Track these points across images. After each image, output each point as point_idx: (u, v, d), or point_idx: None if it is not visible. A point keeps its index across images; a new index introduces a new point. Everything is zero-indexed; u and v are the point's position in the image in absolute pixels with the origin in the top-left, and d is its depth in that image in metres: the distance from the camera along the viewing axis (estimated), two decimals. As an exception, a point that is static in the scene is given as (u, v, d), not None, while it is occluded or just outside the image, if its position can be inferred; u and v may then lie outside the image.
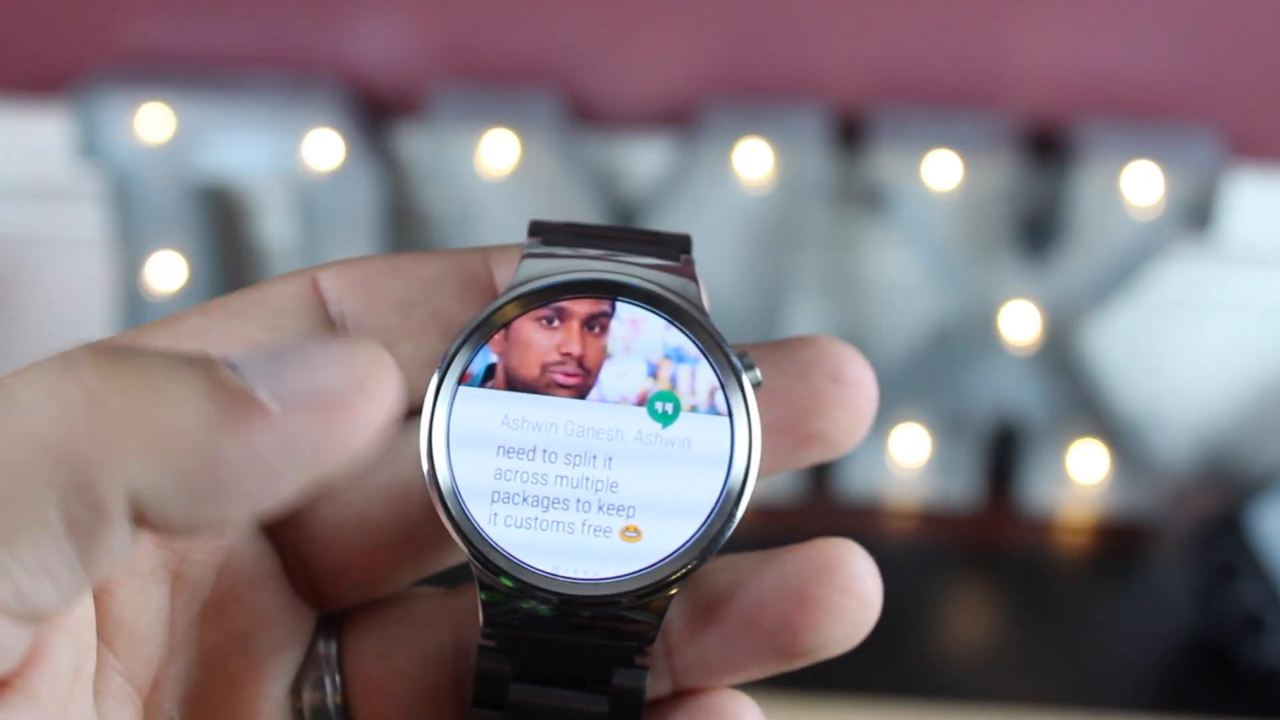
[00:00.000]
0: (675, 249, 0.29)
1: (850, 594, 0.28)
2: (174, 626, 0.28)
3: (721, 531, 0.28)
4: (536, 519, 0.28)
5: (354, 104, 0.77)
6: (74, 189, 0.79)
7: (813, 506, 0.81)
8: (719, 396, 0.28)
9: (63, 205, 0.80)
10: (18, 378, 0.23)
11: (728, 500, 0.28)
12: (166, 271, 0.77)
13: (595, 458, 0.28)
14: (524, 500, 0.28)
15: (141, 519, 0.23)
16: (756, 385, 0.28)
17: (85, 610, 0.26)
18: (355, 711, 0.30)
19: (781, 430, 0.29)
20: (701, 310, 0.29)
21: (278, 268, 0.80)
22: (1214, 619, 0.75)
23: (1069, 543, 0.81)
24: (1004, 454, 0.82)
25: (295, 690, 0.30)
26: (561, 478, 0.28)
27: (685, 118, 0.77)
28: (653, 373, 0.28)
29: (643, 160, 0.78)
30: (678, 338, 0.28)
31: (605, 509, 0.28)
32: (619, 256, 0.29)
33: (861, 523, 0.82)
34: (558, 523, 0.28)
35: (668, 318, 0.28)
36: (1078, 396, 0.78)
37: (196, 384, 0.23)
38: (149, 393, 0.23)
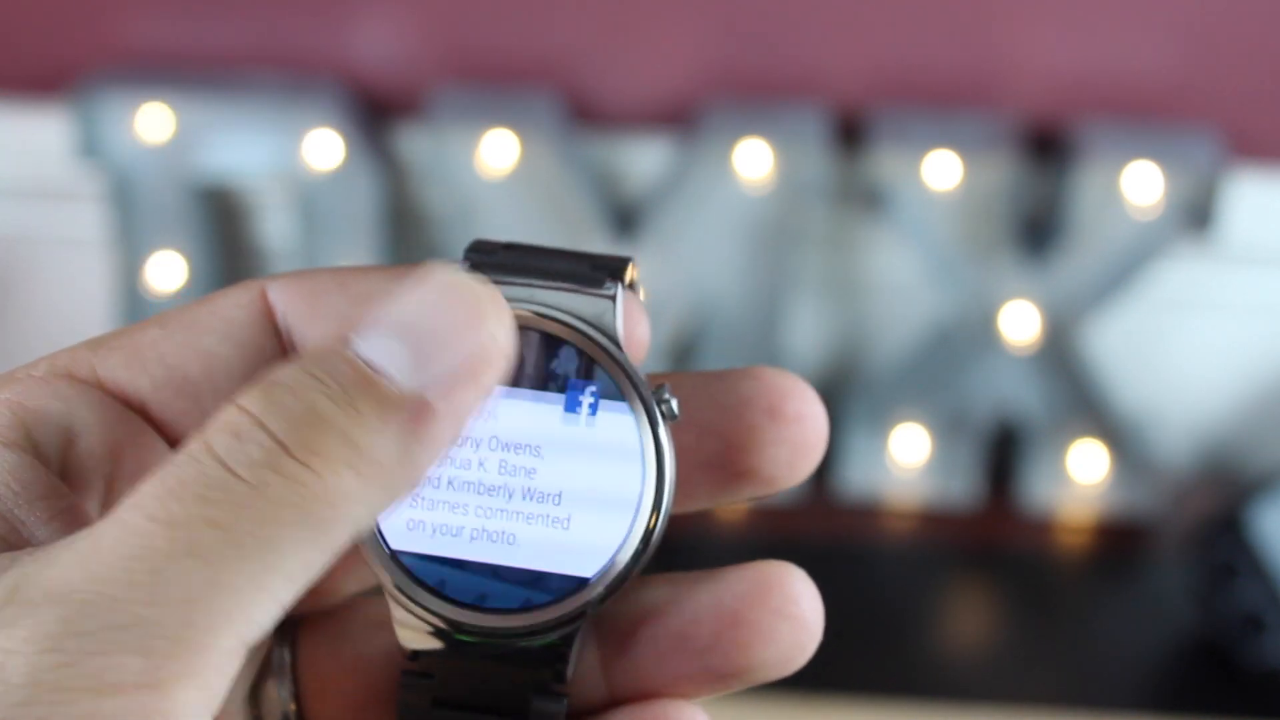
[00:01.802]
0: (605, 273, 0.29)
1: (784, 617, 0.28)
2: None
3: (628, 569, 0.28)
4: (452, 539, 0.28)
5: (354, 104, 0.77)
6: (74, 189, 0.79)
7: (813, 507, 0.81)
8: (628, 430, 0.28)
9: (63, 205, 0.80)
10: None
11: (632, 537, 0.28)
12: (166, 271, 0.77)
13: (510, 485, 0.28)
14: (438, 532, 0.28)
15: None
16: (672, 419, 0.28)
17: None
18: (309, 712, 0.30)
19: (712, 466, 0.29)
20: (614, 340, 0.28)
21: (277, 267, 0.80)
22: (1214, 619, 0.75)
23: (1069, 543, 0.81)
24: (1004, 454, 0.82)
25: (254, 695, 0.30)
26: (479, 506, 0.28)
27: (685, 118, 0.77)
28: (573, 407, 0.28)
29: (643, 160, 0.78)
30: (590, 370, 0.28)
31: (529, 517, 0.28)
32: (539, 283, 0.28)
33: (861, 523, 0.82)
34: (473, 532, 0.28)
35: (577, 350, 0.28)
36: (1078, 396, 0.78)
37: (384, 427, 0.24)
38: (352, 449, 0.24)
